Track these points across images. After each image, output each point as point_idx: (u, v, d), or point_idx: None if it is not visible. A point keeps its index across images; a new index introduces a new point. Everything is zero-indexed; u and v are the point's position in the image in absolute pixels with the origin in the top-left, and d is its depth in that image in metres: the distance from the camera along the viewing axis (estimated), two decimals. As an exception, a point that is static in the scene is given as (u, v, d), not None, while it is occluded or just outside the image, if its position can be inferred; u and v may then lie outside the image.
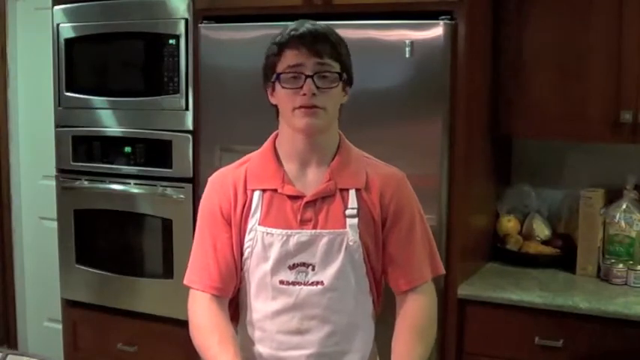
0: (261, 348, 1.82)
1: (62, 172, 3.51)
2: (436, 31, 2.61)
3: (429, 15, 2.63)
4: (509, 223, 3.13)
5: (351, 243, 1.75)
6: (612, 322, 2.52)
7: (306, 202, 1.77)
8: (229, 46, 2.99)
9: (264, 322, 1.80)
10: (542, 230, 3.11)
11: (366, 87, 2.75)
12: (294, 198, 1.77)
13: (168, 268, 3.26)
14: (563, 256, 2.99)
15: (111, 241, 3.47)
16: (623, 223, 2.88)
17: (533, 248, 3.04)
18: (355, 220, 1.75)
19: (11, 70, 4.21)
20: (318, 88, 1.70)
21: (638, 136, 2.73)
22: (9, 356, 2.16)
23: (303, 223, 1.76)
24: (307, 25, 1.77)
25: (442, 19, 2.61)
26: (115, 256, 3.44)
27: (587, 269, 2.88)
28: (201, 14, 3.08)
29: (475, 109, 2.82)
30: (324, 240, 1.75)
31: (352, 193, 1.77)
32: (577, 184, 3.02)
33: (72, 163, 3.46)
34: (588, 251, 2.89)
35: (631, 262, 2.82)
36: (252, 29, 2.93)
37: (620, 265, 2.80)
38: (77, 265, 3.51)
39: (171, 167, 3.18)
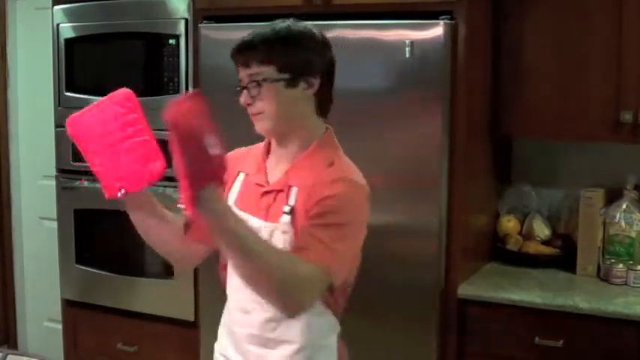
0: (226, 317, 1.94)
1: (62, 172, 3.51)
2: (436, 31, 2.61)
3: (429, 15, 2.64)
4: (509, 223, 3.13)
5: (277, 238, 1.76)
6: (612, 322, 2.52)
7: (263, 193, 1.83)
8: (229, 46, 2.96)
9: (229, 295, 1.92)
10: (542, 230, 3.11)
11: (367, 87, 2.75)
12: (258, 186, 1.86)
13: (169, 268, 3.26)
14: (563, 256, 2.99)
15: (111, 241, 3.47)
16: (623, 223, 2.88)
17: (533, 248, 3.04)
18: (288, 218, 1.77)
19: (11, 70, 4.21)
20: (252, 97, 1.79)
21: (638, 136, 2.73)
22: (9, 356, 2.16)
23: (257, 212, 1.82)
24: (247, 35, 1.84)
25: (442, 19, 2.61)
26: (115, 256, 3.44)
27: (587, 269, 2.88)
28: (201, 14, 3.08)
29: (475, 109, 2.82)
30: (264, 231, 1.78)
31: (294, 191, 1.79)
32: (577, 184, 3.02)
33: (72, 163, 3.46)
34: (588, 251, 2.89)
35: (631, 262, 2.82)
36: (252, 29, 2.92)
37: (620, 265, 2.80)
38: (77, 265, 3.51)
39: (171, 167, 3.17)
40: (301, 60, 1.79)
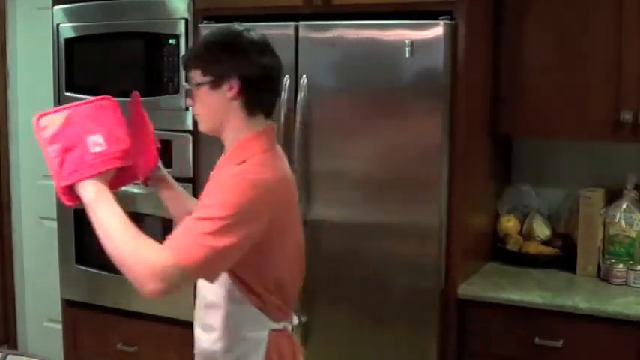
0: None
1: (62, 172, 3.51)
2: (436, 31, 2.61)
3: (429, 15, 2.64)
4: (509, 223, 3.13)
5: None
6: (612, 322, 2.52)
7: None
8: (229, 46, 2.98)
9: None
10: (542, 230, 3.11)
11: (366, 87, 2.75)
12: None
13: (169, 268, 3.25)
14: (563, 256, 2.99)
15: (111, 241, 3.47)
16: (623, 223, 2.88)
17: (533, 248, 3.05)
18: None
19: (11, 70, 4.21)
20: (192, 99, 1.92)
21: (638, 136, 2.73)
22: (9, 356, 2.17)
23: None
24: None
25: (442, 19, 2.61)
26: (115, 256, 3.44)
27: (587, 269, 2.89)
28: (201, 14, 3.08)
29: (475, 109, 2.82)
30: None
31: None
32: (577, 184, 3.02)
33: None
34: (588, 251, 2.89)
35: (631, 262, 2.82)
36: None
37: (620, 265, 2.80)
38: (77, 265, 3.51)
39: (171, 167, 3.18)
40: (222, 64, 1.86)
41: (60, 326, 3.75)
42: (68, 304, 3.60)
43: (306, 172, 2.83)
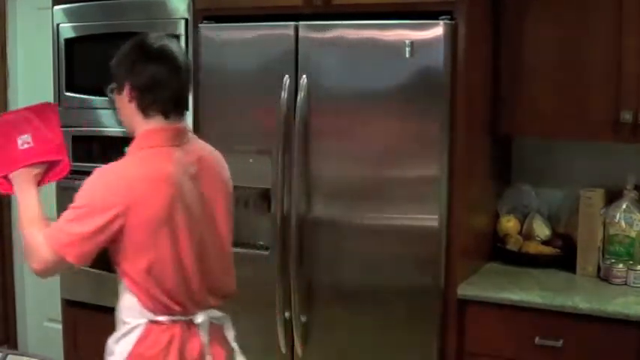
0: None
1: (62, 172, 3.51)
2: (436, 31, 2.61)
3: (429, 15, 2.64)
4: (509, 223, 3.13)
5: None
6: (612, 322, 2.52)
7: None
8: (229, 46, 2.99)
9: None
10: (542, 230, 3.11)
11: (367, 87, 2.76)
12: None
13: (168, 268, 3.25)
14: (563, 256, 2.99)
15: (111, 241, 3.46)
16: (623, 223, 2.88)
17: (533, 248, 3.04)
18: None
19: (11, 70, 4.21)
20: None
21: (638, 136, 2.73)
22: (9, 356, 2.17)
23: None
24: None
25: (442, 19, 2.62)
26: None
27: (587, 269, 2.88)
28: (201, 14, 3.08)
29: (475, 108, 2.82)
30: None
31: None
32: (577, 184, 3.02)
33: (72, 163, 3.45)
34: (588, 251, 2.89)
35: (631, 262, 2.82)
36: (252, 29, 2.93)
37: (620, 265, 2.80)
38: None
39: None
40: (119, 72, 2.12)
41: (60, 326, 3.74)
42: (68, 304, 3.60)
43: (305, 171, 2.83)
